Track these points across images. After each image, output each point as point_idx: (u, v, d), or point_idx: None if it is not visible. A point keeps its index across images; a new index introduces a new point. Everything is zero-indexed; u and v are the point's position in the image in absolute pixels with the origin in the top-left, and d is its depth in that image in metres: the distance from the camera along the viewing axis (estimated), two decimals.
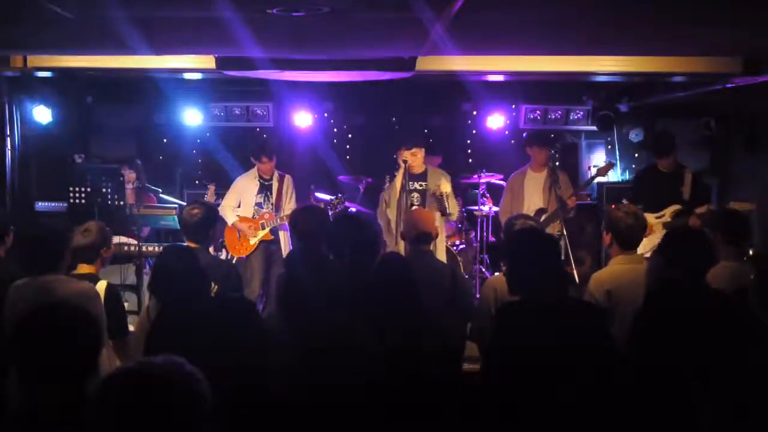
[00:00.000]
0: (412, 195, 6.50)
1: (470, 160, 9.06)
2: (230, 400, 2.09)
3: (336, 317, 3.22)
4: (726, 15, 4.05)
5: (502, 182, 7.93)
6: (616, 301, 3.86)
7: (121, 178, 7.38)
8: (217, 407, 1.76)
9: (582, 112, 8.20)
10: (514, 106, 8.36)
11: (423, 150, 6.58)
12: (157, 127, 8.63)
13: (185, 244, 4.56)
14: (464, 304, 4.63)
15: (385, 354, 2.85)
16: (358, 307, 3.43)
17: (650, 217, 6.33)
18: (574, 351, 2.89)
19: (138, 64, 6.29)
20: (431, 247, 4.85)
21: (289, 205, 7.03)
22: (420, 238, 4.70)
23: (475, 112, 8.89)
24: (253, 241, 6.96)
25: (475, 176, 7.87)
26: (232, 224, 6.96)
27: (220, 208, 6.38)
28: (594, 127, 8.04)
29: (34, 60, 6.42)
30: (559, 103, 8.22)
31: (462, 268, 7.21)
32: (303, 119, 8.34)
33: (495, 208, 7.79)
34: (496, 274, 6.37)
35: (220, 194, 7.38)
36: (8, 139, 7.53)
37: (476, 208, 7.83)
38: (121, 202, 7.22)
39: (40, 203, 7.85)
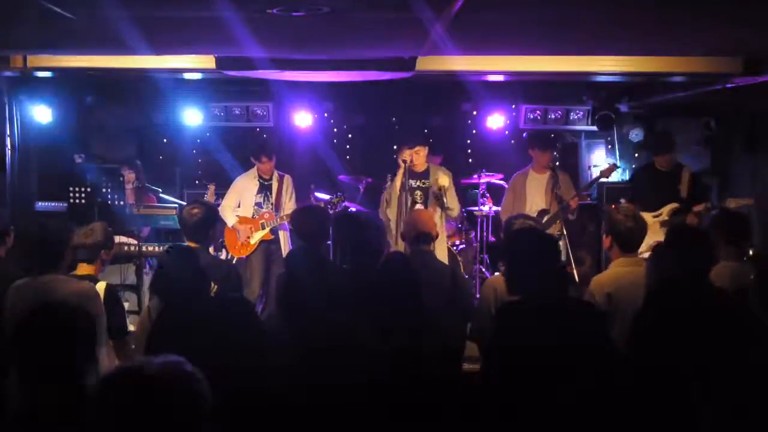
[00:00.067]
0: (415, 193, 6.53)
1: (470, 160, 9.06)
2: (230, 400, 2.09)
3: (336, 317, 3.22)
4: (726, 15, 4.05)
5: (502, 182, 7.93)
6: (617, 303, 3.85)
7: (121, 179, 7.38)
8: (217, 407, 1.76)
9: (582, 112, 8.19)
10: (514, 106, 8.35)
11: (426, 148, 6.61)
12: (156, 127, 8.63)
13: (185, 244, 4.56)
14: (464, 304, 4.63)
15: (387, 353, 2.85)
16: (361, 306, 3.43)
17: (647, 216, 6.33)
18: (574, 351, 2.89)
19: (138, 64, 6.29)
20: (431, 248, 4.85)
21: (288, 205, 7.02)
22: (420, 238, 4.70)
23: (475, 112, 8.88)
24: (253, 240, 6.95)
25: (475, 176, 7.87)
26: (232, 226, 6.96)
27: (220, 209, 6.38)
28: (594, 127, 8.04)
29: (34, 60, 6.42)
30: (559, 103, 8.22)
31: (462, 268, 7.22)
32: (303, 119, 8.34)
33: (495, 208, 7.79)
34: (496, 274, 6.36)
35: (220, 194, 7.37)
36: (8, 139, 7.52)
37: (476, 208, 7.83)
38: (121, 202, 7.22)
39: (40, 203, 7.84)
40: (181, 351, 1.81)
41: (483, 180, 7.82)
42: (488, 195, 7.95)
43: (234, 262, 6.89)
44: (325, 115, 8.92)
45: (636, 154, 8.64)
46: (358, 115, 9.07)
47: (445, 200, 6.37)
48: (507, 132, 8.79)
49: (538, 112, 8.26)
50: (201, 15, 4.02)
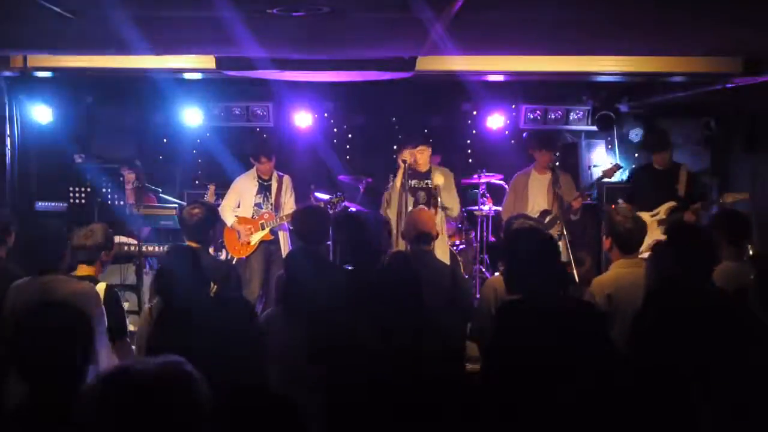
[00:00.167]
0: (419, 193, 6.52)
1: (470, 160, 9.05)
2: (230, 400, 2.09)
3: (336, 317, 3.22)
4: (726, 15, 4.05)
5: (502, 182, 7.93)
6: (617, 304, 3.86)
7: (121, 179, 7.38)
8: (217, 407, 1.76)
9: (582, 112, 8.19)
10: (514, 106, 8.35)
11: (429, 148, 6.62)
12: (156, 127, 8.63)
13: (186, 244, 4.56)
14: (464, 304, 4.64)
15: (388, 353, 2.85)
16: (362, 306, 3.43)
17: (645, 216, 6.33)
18: (574, 351, 2.89)
19: (138, 64, 6.29)
20: (431, 247, 4.85)
21: (288, 205, 7.02)
22: (420, 238, 4.70)
23: (475, 112, 8.88)
24: (253, 241, 6.95)
25: (475, 176, 7.87)
26: (231, 226, 6.96)
27: (219, 209, 6.38)
28: (594, 127, 8.04)
29: (34, 60, 6.42)
30: (559, 103, 8.22)
31: (462, 268, 7.21)
32: (303, 119, 8.34)
33: (495, 208, 7.79)
34: (496, 274, 6.37)
35: (220, 194, 7.37)
36: (8, 138, 7.52)
37: (476, 208, 7.83)
38: (121, 202, 7.22)
39: (40, 203, 7.84)
40: (180, 351, 1.80)
41: (483, 180, 7.82)
42: (488, 195, 7.95)
43: (234, 262, 6.89)
44: (325, 115, 8.91)
45: (636, 154, 8.64)
46: (358, 115, 9.06)
47: (439, 199, 6.36)
48: (507, 132, 8.79)
49: (538, 112, 8.26)
50: (201, 15, 4.02)
